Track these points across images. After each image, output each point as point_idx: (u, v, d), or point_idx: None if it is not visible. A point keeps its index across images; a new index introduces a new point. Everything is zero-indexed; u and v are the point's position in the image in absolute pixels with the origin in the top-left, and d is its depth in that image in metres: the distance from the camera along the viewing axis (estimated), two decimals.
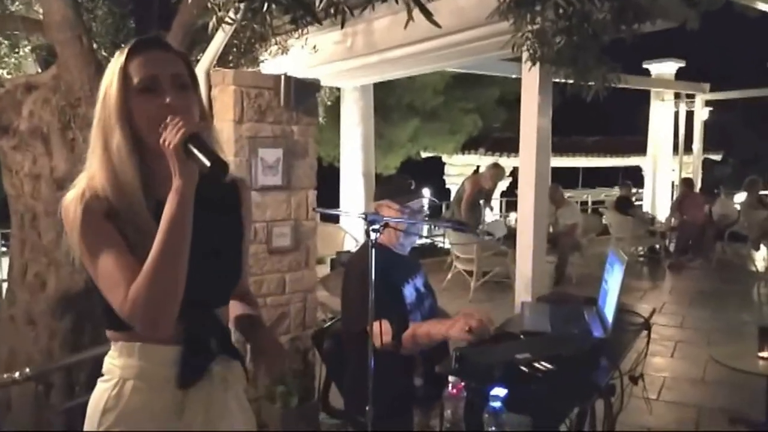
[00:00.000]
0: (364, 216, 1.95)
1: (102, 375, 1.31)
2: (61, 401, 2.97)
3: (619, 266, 2.39)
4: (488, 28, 3.75)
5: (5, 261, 6.37)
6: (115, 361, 1.29)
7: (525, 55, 3.19)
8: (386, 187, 2.66)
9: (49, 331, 3.22)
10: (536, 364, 1.93)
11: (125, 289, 1.15)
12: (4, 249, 6.88)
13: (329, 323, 2.77)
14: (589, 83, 3.19)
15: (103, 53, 4.13)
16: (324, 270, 6.55)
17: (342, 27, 2.17)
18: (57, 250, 3.18)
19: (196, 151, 1.12)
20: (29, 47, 4.06)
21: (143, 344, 1.26)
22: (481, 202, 8.07)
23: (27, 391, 2.88)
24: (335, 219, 8.45)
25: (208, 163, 1.12)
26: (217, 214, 1.33)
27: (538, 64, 3.23)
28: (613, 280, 2.46)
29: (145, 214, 1.21)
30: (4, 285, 5.36)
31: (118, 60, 1.23)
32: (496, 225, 8.76)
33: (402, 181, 2.48)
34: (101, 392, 1.28)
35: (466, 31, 4.01)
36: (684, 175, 11.00)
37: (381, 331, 2.02)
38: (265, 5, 2.08)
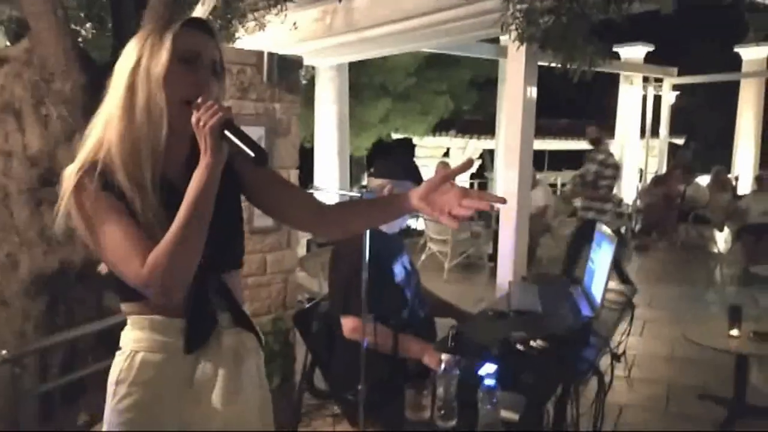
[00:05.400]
0: (360, 194, 1.94)
1: (119, 348, 1.33)
2: (34, 385, 2.89)
3: (608, 244, 2.41)
4: (473, 6, 3.73)
5: None
6: (128, 335, 1.31)
7: (513, 35, 3.17)
8: (405, 167, 2.46)
9: (23, 312, 3.12)
10: (531, 343, 1.95)
11: (139, 258, 1.15)
12: None
13: (309, 305, 2.75)
14: (574, 66, 3.19)
15: (75, 26, 3.98)
16: (300, 251, 6.50)
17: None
18: (30, 229, 3.07)
19: (235, 139, 1.15)
20: None
21: (153, 317, 1.28)
22: None
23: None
24: None
25: (251, 153, 1.14)
26: None
27: (525, 45, 3.22)
28: (601, 258, 2.48)
29: (153, 189, 1.20)
30: None
31: (166, 29, 1.21)
32: None
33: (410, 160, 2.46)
34: (116, 365, 1.31)
35: (450, 9, 3.98)
36: (650, 157, 11.24)
37: (376, 332, 2.09)
38: None
